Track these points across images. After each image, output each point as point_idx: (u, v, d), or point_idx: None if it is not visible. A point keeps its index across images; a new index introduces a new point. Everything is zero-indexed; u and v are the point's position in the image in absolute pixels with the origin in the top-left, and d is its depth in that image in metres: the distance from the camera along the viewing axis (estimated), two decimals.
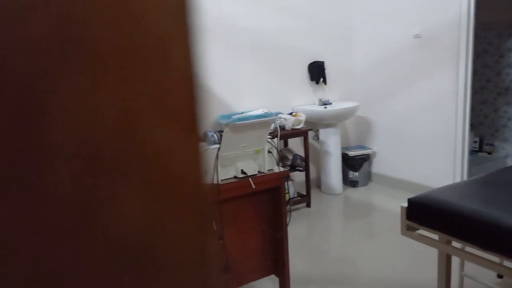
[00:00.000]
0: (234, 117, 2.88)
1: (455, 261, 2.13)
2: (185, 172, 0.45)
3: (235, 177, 1.76)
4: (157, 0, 0.43)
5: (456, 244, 1.53)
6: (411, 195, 1.64)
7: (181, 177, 0.45)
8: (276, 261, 1.98)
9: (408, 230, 1.60)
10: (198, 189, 0.46)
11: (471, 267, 2.15)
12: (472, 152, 4.27)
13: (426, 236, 1.56)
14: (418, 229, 1.60)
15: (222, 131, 1.72)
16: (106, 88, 0.40)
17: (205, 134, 1.78)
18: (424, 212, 1.51)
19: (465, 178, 3.19)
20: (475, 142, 4.30)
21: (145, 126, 0.42)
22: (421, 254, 2.43)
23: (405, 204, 1.60)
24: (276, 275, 2.01)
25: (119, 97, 0.41)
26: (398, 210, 2.79)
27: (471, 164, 3.31)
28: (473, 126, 4.31)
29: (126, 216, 0.42)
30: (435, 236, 1.53)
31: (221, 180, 1.70)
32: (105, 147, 0.40)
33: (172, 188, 0.45)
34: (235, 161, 1.75)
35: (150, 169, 0.43)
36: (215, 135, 1.75)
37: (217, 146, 1.69)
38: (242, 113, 3.15)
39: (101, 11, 0.40)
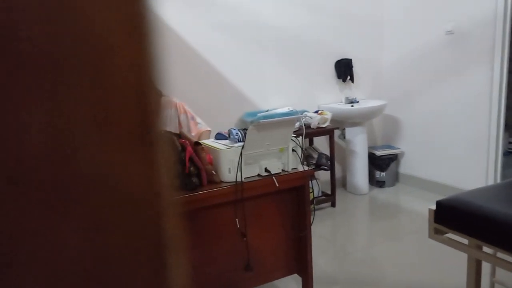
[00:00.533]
0: (259, 114, 2.88)
1: (486, 267, 2.05)
2: (137, 195, 0.39)
3: (258, 175, 1.76)
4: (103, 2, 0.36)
5: (487, 249, 1.47)
6: (441, 197, 1.59)
7: (131, 202, 0.39)
8: (299, 260, 1.96)
9: (436, 233, 1.55)
10: (154, 213, 0.40)
11: (502, 274, 2.06)
12: (507, 153, 4.09)
13: (455, 240, 1.51)
14: (446, 233, 1.55)
15: (246, 129, 1.72)
16: (32, 101, 0.34)
17: (229, 132, 1.78)
18: (453, 215, 1.46)
19: (498, 180, 3.06)
20: (510, 143, 4.12)
21: (84, 145, 0.37)
22: (449, 258, 2.36)
23: (434, 207, 1.55)
24: (299, 275, 2.00)
25: (50, 111, 0.34)
26: (426, 212, 2.74)
27: (505, 166, 3.17)
28: (507, 126, 4.12)
29: (64, 252, 0.37)
30: (464, 241, 1.48)
31: (245, 178, 1.70)
32: (31, 171, 0.35)
33: (120, 215, 0.39)
34: (259, 159, 1.74)
35: (93, 195, 0.37)
36: (239, 133, 1.75)
37: (241, 144, 1.69)
38: (267, 111, 3.15)
39: (28, 5, 0.33)
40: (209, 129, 2.30)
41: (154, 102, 0.43)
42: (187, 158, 1.57)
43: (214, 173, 1.68)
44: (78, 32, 0.35)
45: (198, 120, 2.32)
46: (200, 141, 1.72)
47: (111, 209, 0.39)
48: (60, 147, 0.36)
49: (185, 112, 2.29)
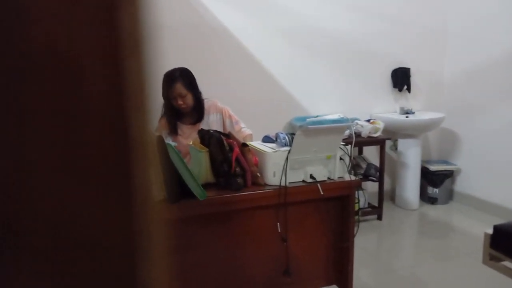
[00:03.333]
0: (308, 120, 2.85)
1: None
2: (106, 243, 0.34)
3: (303, 181, 1.74)
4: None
5: None
6: (499, 220, 1.48)
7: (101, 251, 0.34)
8: (340, 271, 1.92)
9: (491, 260, 1.45)
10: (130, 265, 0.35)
11: None
12: None
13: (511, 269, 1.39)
14: (503, 260, 1.44)
15: (294, 134, 1.71)
16: None
17: (277, 136, 1.78)
18: (511, 242, 1.35)
19: None
20: None
21: (42, 185, 0.31)
22: (503, 287, 2.18)
23: (490, 231, 1.45)
24: (338, 286, 1.95)
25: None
26: (481, 235, 2.55)
27: None
28: None
29: None
30: None
31: (289, 182, 1.69)
32: None
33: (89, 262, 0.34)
34: (305, 165, 1.73)
35: (52, 240, 0.33)
36: (286, 137, 1.74)
37: (288, 148, 1.68)
38: (317, 116, 3.11)
39: None
40: (251, 133, 2.33)
41: (136, 135, 0.34)
42: (233, 159, 1.59)
43: (259, 175, 1.69)
44: (38, 51, 0.28)
45: (242, 124, 2.35)
46: (247, 143, 1.74)
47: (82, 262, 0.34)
48: (21, 190, 0.31)
49: (230, 117, 2.32)
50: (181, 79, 2.14)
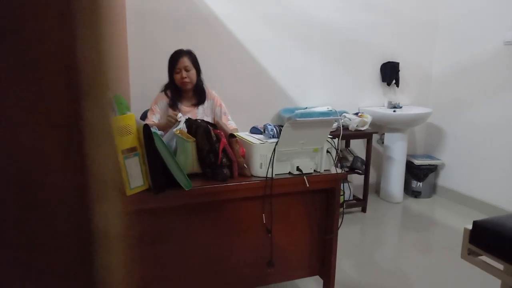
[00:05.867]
0: (296, 112, 2.85)
1: None
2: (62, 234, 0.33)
3: (290, 173, 1.75)
4: None
5: None
6: (480, 215, 1.51)
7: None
8: (323, 262, 1.94)
9: (469, 254, 1.48)
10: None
11: None
12: None
13: (489, 264, 1.43)
14: (481, 255, 1.47)
15: (282, 126, 1.71)
16: None
17: (265, 127, 1.78)
18: (489, 238, 1.38)
19: None
20: None
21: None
22: (480, 282, 2.24)
23: (470, 226, 1.48)
24: (321, 277, 1.98)
25: None
26: (462, 229, 2.61)
27: None
28: None
29: None
30: (499, 266, 1.40)
31: (276, 174, 1.70)
32: None
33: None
34: (291, 157, 1.73)
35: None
36: (274, 129, 1.74)
37: (275, 140, 1.68)
38: (306, 108, 3.11)
39: None
40: (236, 128, 2.36)
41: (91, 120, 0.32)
42: (220, 149, 1.58)
43: (246, 166, 1.69)
44: None
45: (229, 117, 2.41)
46: (234, 134, 1.73)
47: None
48: None
49: (220, 106, 2.38)
50: (188, 54, 2.27)
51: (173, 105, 2.29)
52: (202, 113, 2.34)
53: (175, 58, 2.25)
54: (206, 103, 2.37)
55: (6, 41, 0.29)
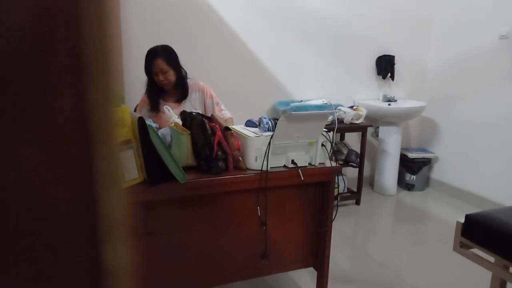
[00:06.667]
0: (292, 105, 2.85)
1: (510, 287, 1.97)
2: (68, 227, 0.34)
3: (285, 166, 1.76)
4: None
5: None
6: (472, 208, 1.53)
7: None
8: (317, 254, 1.96)
9: (461, 247, 1.50)
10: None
11: None
12: None
13: (480, 257, 1.45)
14: (472, 248, 1.49)
15: (277, 119, 1.71)
16: None
17: (260, 120, 1.77)
18: (481, 231, 1.40)
19: None
20: None
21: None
22: (472, 274, 2.28)
23: (462, 219, 1.50)
24: (315, 269, 2.00)
25: None
26: (454, 222, 2.66)
27: None
28: None
29: None
30: (490, 258, 1.42)
31: (271, 167, 1.70)
32: None
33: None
34: (287, 151, 1.73)
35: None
36: (269, 122, 1.74)
37: (271, 133, 1.68)
38: (301, 101, 3.11)
39: None
40: (231, 116, 2.33)
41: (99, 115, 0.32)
42: (215, 142, 1.58)
43: (241, 159, 1.69)
44: None
45: (223, 107, 2.36)
46: (229, 127, 1.73)
47: None
48: None
49: (211, 97, 2.33)
50: (162, 55, 2.14)
51: (154, 109, 2.24)
52: (190, 107, 2.30)
53: (149, 61, 2.14)
54: (193, 95, 2.31)
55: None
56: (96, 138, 0.34)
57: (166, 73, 2.15)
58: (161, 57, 2.13)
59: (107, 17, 0.33)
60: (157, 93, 2.25)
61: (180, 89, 2.27)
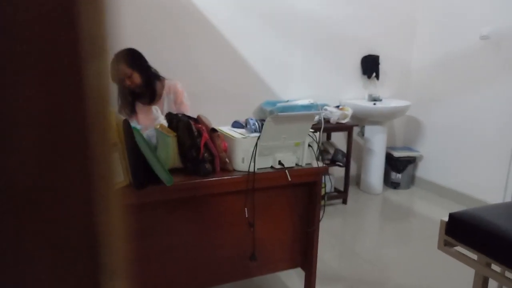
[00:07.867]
0: (278, 105, 2.85)
1: (492, 284, 2.01)
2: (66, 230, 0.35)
3: (272, 167, 1.76)
4: None
5: (496, 267, 1.44)
6: (457, 205, 1.56)
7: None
8: (305, 254, 1.97)
9: (445, 245, 1.53)
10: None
11: None
12: None
13: (463, 255, 1.48)
14: (456, 246, 1.52)
15: (264, 120, 1.71)
16: None
17: (247, 122, 1.77)
18: (465, 230, 1.43)
19: None
20: None
21: None
22: (456, 271, 2.32)
23: (446, 218, 1.52)
24: (303, 269, 2.01)
25: None
26: (439, 219, 2.70)
27: None
28: None
29: None
30: (473, 256, 1.45)
31: (258, 169, 1.70)
32: None
33: None
34: (273, 152, 1.74)
35: None
36: (256, 123, 1.74)
37: (257, 134, 1.68)
38: (288, 101, 3.12)
39: None
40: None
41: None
42: (202, 144, 1.57)
43: (228, 161, 1.69)
44: None
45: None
46: (216, 128, 1.73)
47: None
48: None
49: (181, 103, 2.34)
50: (123, 59, 2.15)
51: (130, 112, 2.25)
52: (167, 108, 2.30)
53: (114, 67, 2.13)
54: (172, 96, 2.31)
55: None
56: (92, 139, 0.33)
57: (130, 77, 2.15)
58: (122, 62, 2.13)
59: (107, 17, 0.33)
60: (131, 95, 2.24)
61: (148, 91, 2.25)
